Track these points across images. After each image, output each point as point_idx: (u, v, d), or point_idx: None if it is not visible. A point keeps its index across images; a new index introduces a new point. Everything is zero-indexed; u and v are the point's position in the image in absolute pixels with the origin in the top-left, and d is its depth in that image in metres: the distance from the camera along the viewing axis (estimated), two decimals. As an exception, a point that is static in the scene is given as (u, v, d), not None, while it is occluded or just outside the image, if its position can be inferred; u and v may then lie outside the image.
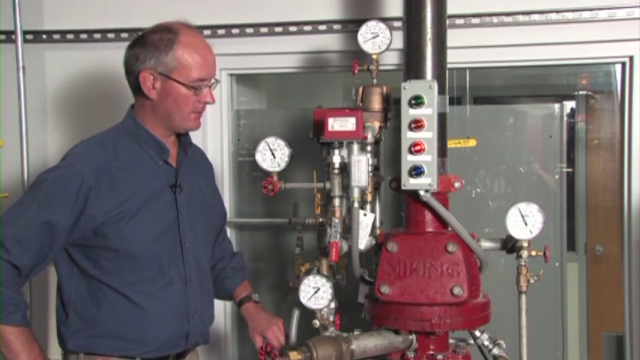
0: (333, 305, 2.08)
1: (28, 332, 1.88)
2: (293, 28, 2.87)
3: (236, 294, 2.32)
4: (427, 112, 1.89)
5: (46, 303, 2.83)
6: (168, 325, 1.99)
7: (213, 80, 2.01)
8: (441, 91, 2.00)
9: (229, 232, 3.16)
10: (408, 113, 1.90)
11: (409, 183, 1.92)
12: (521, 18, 2.71)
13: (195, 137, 3.00)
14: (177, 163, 2.08)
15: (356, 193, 1.98)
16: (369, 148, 2.05)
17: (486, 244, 2.06)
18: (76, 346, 1.97)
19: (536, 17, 2.70)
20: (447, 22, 2.13)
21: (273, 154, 2.05)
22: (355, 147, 1.96)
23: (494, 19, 2.72)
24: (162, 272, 1.98)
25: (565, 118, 3.05)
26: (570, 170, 3.58)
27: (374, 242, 2.09)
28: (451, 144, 2.60)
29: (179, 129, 2.04)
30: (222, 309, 2.98)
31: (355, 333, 1.98)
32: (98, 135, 2.05)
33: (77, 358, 1.97)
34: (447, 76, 2.13)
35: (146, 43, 1.96)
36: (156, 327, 1.97)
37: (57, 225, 1.86)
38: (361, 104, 2.14)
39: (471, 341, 2.10)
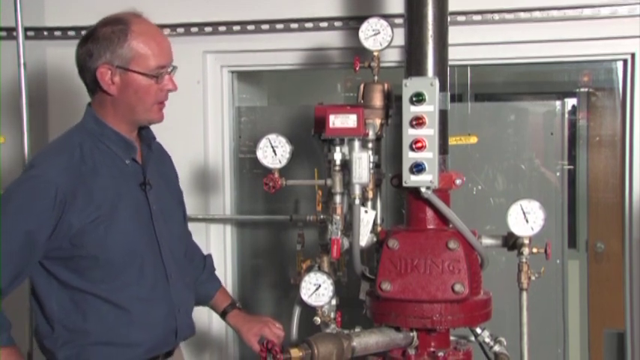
0: (334, 302, 2.08)
1: (16, 352, 1.84)
2: (294, 25, 2.86)
3: (217, 302, 2.31)
4: (428, 109, 1.89)
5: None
6: (157, 325, 1.97)
7: (171, 67, 1.96)
8: (442, 88, 1.99)
9: (230, 230, 3.17)
10: (409, 110, 1.89)
11: (410, 180, 1.92)
12: (522, 15, 2.70)
13: (197, 135, 3.05)
14: (142, 160, 2.03)
15: (357, 190, 1.97)
16: (370, 145, 2.04)
17: (487, 241, 2.06)
18: (66, 357, 1.91)
19: (537, 14, 2.69)
20: (449, 18, 2.12)
21: (274, 150, 2.03)
22: (356, 144, 1.95)
23: (496, 16, 2.71)
24: (145, 273, 1.94)
25: (566, 116, 3.04)
26: (571, 167, 3.59)
27: (375, 239, 2.09)
28: (452, 141, 2.60)
29: (143, 122, 1.99)
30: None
31: (356, 330, 1.98)
32: (60, 139, 1.98)
33: None
34: (449, 73, 2.13)
35: (98, 38, 1.89)
36: (146, 329, 1.95)
37: (36, 238, 1.80)
38: (362, 101, 2.13)
39: (472, 338, 2.10)
